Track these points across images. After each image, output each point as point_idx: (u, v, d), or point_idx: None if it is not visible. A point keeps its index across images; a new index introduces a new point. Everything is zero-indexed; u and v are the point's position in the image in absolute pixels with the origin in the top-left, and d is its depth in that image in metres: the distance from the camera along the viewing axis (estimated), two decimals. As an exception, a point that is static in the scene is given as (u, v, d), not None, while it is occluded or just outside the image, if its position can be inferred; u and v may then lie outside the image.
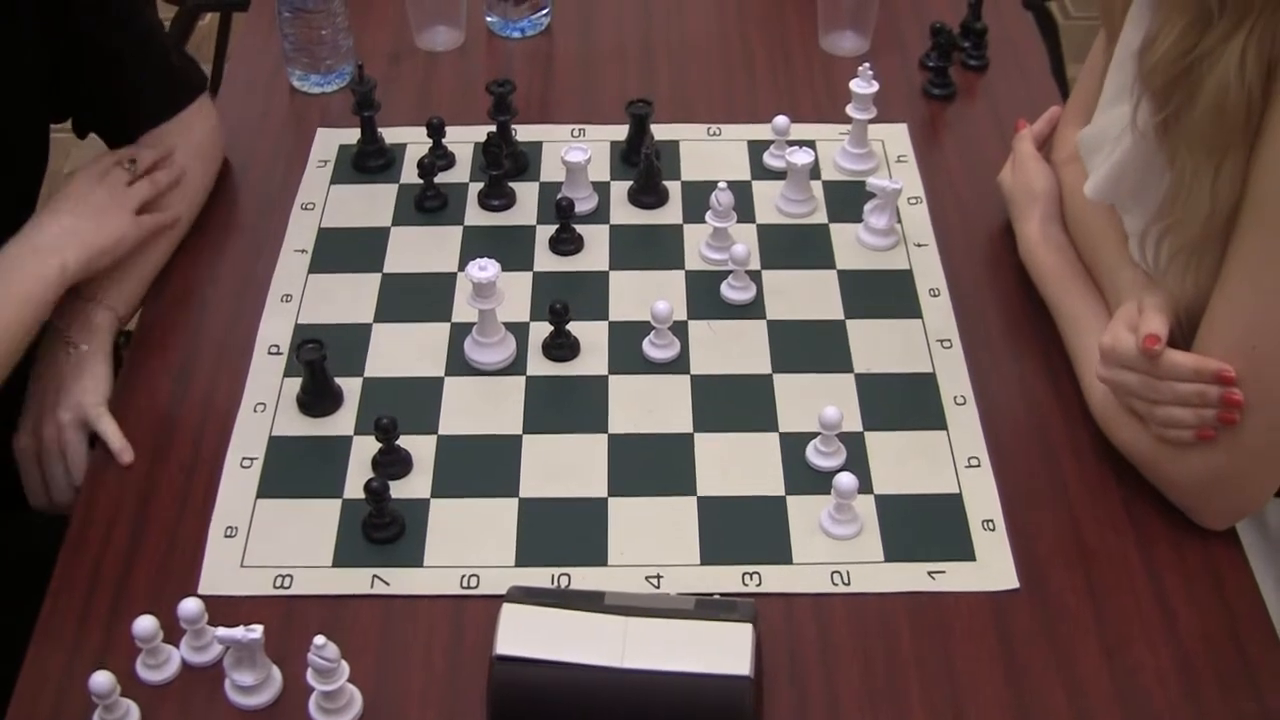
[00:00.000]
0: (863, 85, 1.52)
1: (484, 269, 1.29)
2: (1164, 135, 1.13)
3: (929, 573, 1.16)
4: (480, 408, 1.30)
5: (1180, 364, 1.13)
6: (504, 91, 1.50)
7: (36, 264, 1.30)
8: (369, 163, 1.56)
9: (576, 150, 1.48)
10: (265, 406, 1.30)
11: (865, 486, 1.22)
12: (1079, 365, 1.29)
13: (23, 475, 1.33)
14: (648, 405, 1.30)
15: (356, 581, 1.16)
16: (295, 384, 1.31)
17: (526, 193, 1.52)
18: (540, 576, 1.16)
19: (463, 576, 1.16)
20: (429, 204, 1.51)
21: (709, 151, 1.59)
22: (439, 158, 1.54)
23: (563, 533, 1.19)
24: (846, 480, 1.16)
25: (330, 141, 1.61)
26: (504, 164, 1.50)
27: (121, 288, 1.39)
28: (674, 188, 1.53)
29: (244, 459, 1.26)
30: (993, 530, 1.19)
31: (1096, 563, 1.17)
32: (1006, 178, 1.46)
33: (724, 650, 1.01)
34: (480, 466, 1.25)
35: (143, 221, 1.40)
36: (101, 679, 1.03)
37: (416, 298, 1.41)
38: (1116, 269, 1.27)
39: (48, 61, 1.37)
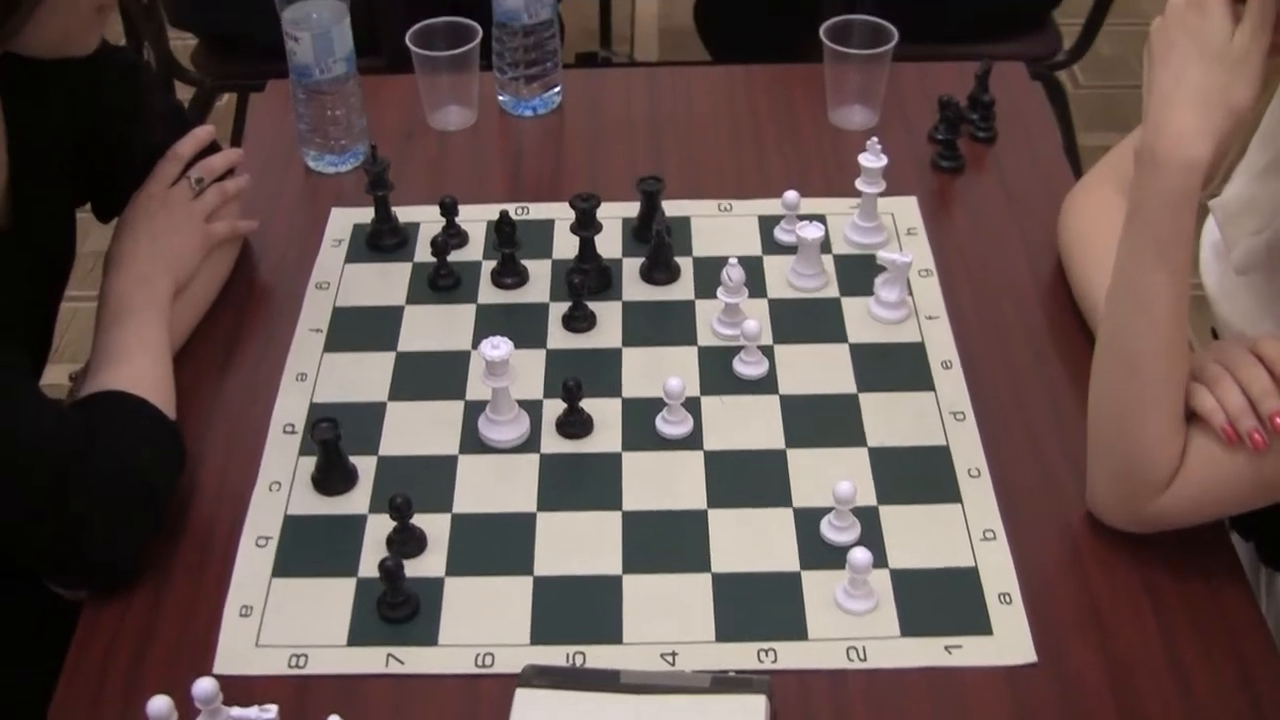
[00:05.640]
0: (872, 159, 1.53)
1: (496, 348, 1.30)
2: None
3: (946, 647, 1.16)
4: (494, 485, 1.30)
5: (1269, 348, 1.11)
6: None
7: (149, 293, 1.36)
8: (383, 241, 1.58)
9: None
10: (280, 485, 1.31)
11: (880, 561, 1.21)
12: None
13: None
14: (661, 482, 1.30)
15: (371, 660, 1.16)
16: (310, 463, 1.31)
17: (539, 270, 1.53)
18: (555, 654, 1.15)
19: (477, 655, 1.16)
20: (442, 282, 1.52)
21: (720, 227, 1.60)
22: (451, 236, 1.55)
23: (577, 610, 1.19)
24: (861, 555, 1.16)
25: (344, 221, 1.62)
26: (518, 242, 1.51)
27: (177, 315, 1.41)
28: (685, 264, 1.54)
29: (259, 538, 1.26)
30: (1009, 603, 1.19)
31: (1113, 634, 1.17)
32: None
33: (738, 727, 1.01)
34: (494, 544, 1.25)
35: (215, 231, 1.46)
36: None
37: (430, 376, 1.41)
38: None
39: (73, 144, 1.38)
